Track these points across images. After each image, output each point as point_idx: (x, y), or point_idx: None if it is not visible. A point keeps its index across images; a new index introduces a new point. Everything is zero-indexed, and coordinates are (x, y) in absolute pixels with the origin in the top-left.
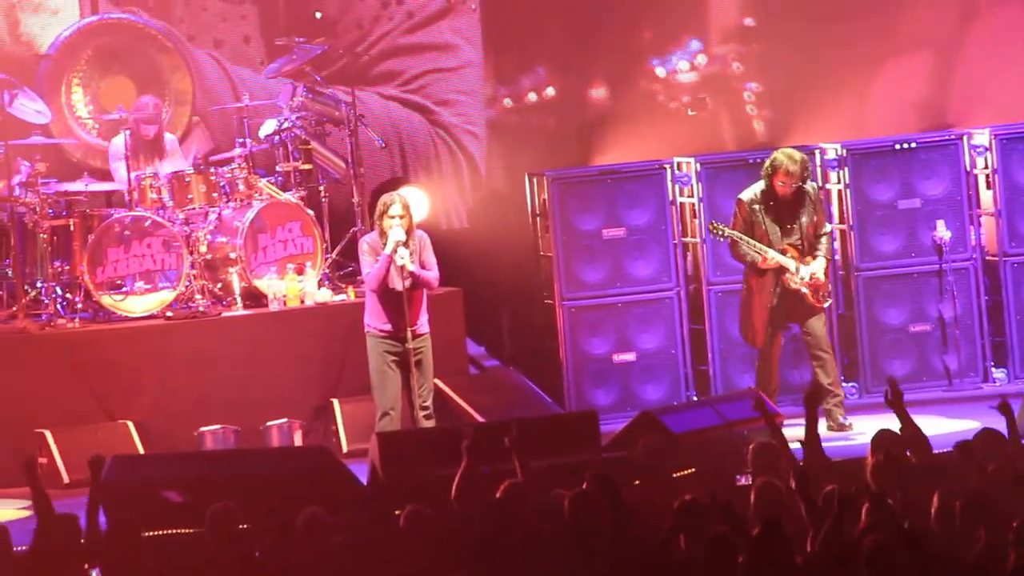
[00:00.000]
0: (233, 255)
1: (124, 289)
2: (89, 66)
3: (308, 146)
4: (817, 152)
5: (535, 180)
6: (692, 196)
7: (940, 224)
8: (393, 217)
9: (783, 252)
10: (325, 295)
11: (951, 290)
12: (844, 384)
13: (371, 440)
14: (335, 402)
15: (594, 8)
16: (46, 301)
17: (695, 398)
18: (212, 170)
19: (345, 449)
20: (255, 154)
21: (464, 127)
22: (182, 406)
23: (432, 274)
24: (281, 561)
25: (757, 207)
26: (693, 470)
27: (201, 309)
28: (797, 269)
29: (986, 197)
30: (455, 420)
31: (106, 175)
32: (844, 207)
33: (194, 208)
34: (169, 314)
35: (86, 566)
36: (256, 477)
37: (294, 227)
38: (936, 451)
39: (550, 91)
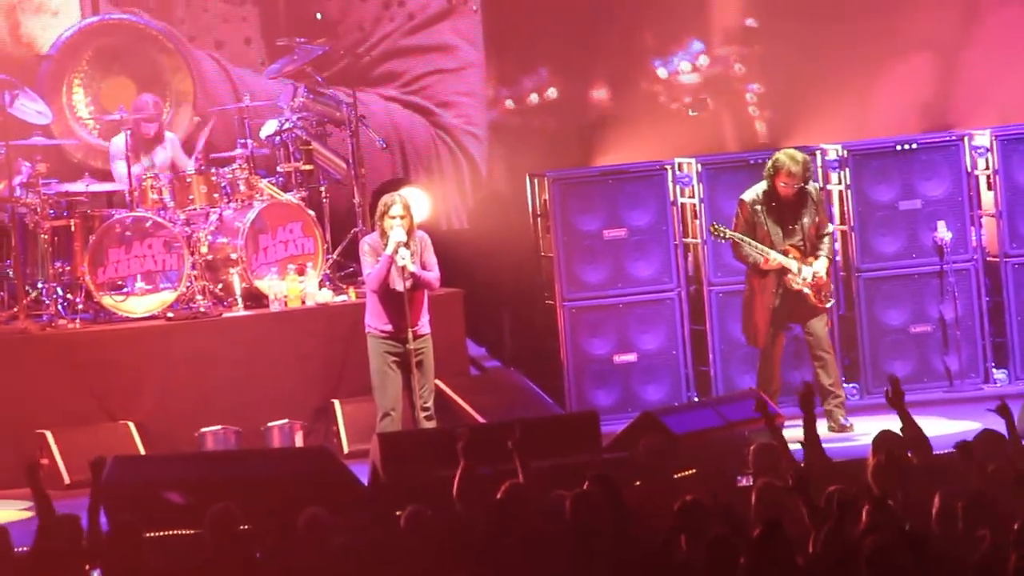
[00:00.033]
0: (234, 256)
1: (125, 290)
2: (90, 67)
3: (309, 147)
4: (818, 153)
5: (536, 181)
6: (693, 197)
7: (941, 225)
8: (394, 218)
9: (785, 253)
10: (326, 296)
11: (952, 291)
12: (845, 385)
13: (372, 441)
14: (336, 403)
15: (595, 9)
16: (47, 302)
17: (696, 399)
18: (213, 171)
19: (346, 450)
20: (255, 155)
21: (465, 128)
22: (183, 407)
23: (433, 275)
24: (282, 562)
25: (759, 208)
26: (694, 471)
27: (202, 310)
28: (799, 270)
29: (987, 198)
30: (456, 421)
31: (107, 176)
32: (845, 208)
33: (195, 209)
34: (170, 315)
35: (87, 567)
36: (257, 478)
37: (295, 228)
38: (937, 452)
39: (551, 92)
